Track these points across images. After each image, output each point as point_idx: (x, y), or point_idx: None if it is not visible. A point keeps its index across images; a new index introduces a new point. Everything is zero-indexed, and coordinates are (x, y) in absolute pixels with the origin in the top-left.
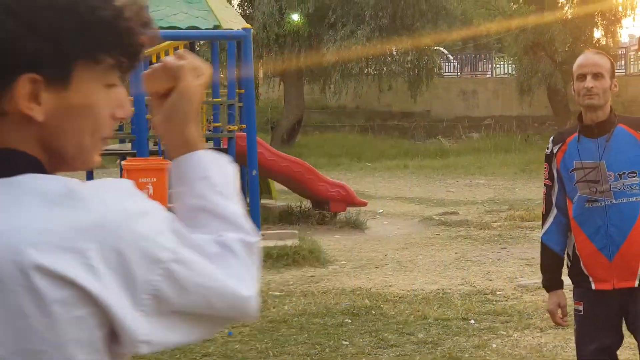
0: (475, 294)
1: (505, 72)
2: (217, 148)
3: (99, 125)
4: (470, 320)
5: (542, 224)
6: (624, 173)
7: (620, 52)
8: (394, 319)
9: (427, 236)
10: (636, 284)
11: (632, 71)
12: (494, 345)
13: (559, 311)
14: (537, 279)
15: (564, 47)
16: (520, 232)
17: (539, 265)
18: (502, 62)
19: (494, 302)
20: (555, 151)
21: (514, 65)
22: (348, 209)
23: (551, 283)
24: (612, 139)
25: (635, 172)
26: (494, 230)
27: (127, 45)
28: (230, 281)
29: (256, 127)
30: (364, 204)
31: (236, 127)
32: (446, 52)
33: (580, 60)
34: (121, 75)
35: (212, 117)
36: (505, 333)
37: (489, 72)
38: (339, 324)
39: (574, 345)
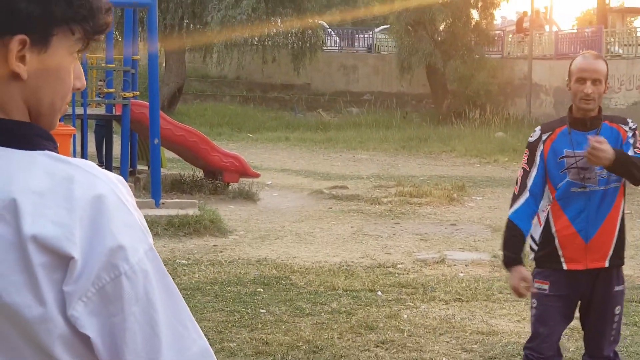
0: (378, 267)
1: (387, 49)
2: (110, 115)
3: (67, 89)
4: (377, 291)
5: (512, 204)
6: None
7: (497, 34)
8: (305, 289)
9: (320, 209)
10: (606, 264)
11: (507, 53)
12: (405, 316)
13: (523, 284)
14: (434, 253)
15: (443, 27)
16: (410, 208)
17: (433, 240)
18: (383, 38)
19: (397, 275)
20: (544, 139)
21: (395, 43)
22: (240, 179)
23: (513, 259)
24: (601, 132)
25: None
26: (385, 206)
27: (96, 22)
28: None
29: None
30: (257, 176)
31: (131, 94)
32: (327, 26)
33: (581, 63)
34: (82, 51)
35: (103, 82)
36: (413, 304)
37: (368, 48)
38: (253, 293)
39: (481, 317)
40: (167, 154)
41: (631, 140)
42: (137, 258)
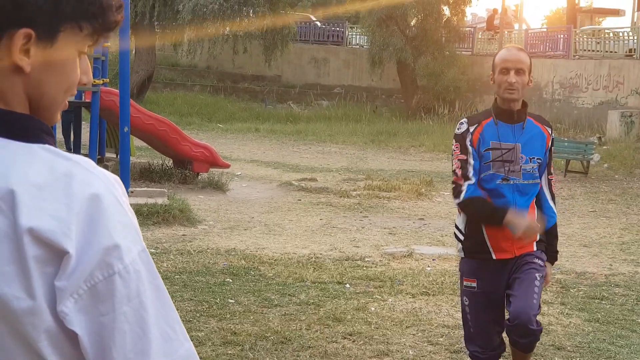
0: (346, 260)
1: (357, 42)
2: (79, 102)
3: (72, 84)
4: (345, 284)
5: (457, 193)
6: (534, 158)
7: (467, 31)
8: (274, 280)
9: (289, 201)
10: (535, 248)
11: (478, 51)
12: (373, 309)
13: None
14: (402, 247)
15: (415, 22)
16: (378, 201)
17: (401, 235)
18: (355, 32)
19: (365, 268)
20: (472, 130)
21: (367, 37)
22: (210, 169)
23: (503, 210)
24: (526, 126)
25: (540, 159)
26: (354, 199)
27: (105, 20)
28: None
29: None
30: (227, 166)
31: (101, 82)
32: (313, 17)
33: (505, 54)
34: (90, 47)
35: None
36: (380, 297)
37: (342, 42)
38: (221, 283)
39: (447, 311)
40: (136, 142)
41: (548, 156)
42: (131, 258)
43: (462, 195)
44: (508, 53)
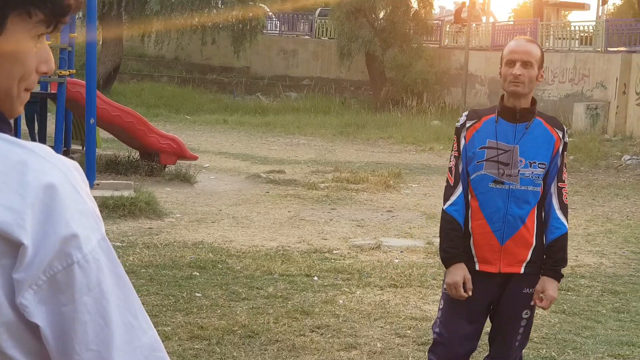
0: (314, 252)
1: (326, 35)
2: (45, 93)
3: (26, 74)
4: (313, 277)
5: (448, 195)
6: (535, 162)
7: (435, 23)
8: (241, 273)
9: (257, 193)
10: (522, 270)
11: (445, 43)
12: (341, 301)
13: (464, 284)
14: (370, 239)
15: (383, 15)
16: (346, 194)
17: (369, 227)
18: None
19: (333, 261)
20: (468, 126)
21: (335, 29)
22: (177, 161)
23: (455, 255)
24: (531, 127)
25: (544, 164)
26: (322, 191)
27: (55, 4)
28: (118, 339)
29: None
30: (195, 158)
31: (67, 73)
32: (267, 9)
33: (512, 45)
34: (47, 33)
35: None
36: (348, 290)
37: (309, 34)
38: (188, 277)
39: (414, 303)
40: (102, 134)
41: (559, 161)
42: (90, 247)
43: (447, 205)
44: (516, 44)
